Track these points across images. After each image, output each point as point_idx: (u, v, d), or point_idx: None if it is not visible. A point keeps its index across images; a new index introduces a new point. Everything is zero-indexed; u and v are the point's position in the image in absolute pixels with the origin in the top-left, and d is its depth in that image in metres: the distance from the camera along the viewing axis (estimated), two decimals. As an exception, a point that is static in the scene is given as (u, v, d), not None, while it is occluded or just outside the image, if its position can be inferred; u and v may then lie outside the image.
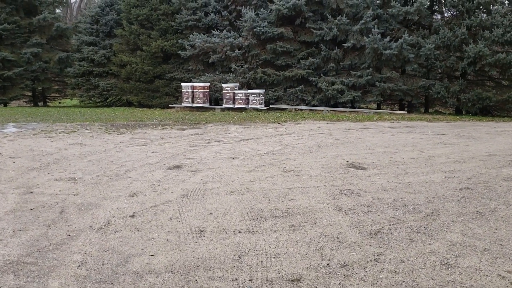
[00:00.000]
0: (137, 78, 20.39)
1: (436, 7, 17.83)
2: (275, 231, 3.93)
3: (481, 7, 15.42)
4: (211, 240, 3.73)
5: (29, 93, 25.01)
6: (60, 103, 26.65)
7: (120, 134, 10.24)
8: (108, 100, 22.90)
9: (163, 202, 4.76)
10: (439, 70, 16.28)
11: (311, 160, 6.92)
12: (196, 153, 7.62)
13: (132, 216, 4.32)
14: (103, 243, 3.63)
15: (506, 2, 16.00)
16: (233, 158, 7.13)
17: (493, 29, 14.67)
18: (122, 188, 5.30)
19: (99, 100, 22.84)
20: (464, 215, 4.34)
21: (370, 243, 3.66)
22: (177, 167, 6.51)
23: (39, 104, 24.92)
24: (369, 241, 3.71)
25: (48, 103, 25.63)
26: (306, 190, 5.20)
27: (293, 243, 3.66)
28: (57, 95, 26.58)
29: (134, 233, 3.88)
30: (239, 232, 3.91)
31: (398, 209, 4.52)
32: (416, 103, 17.58)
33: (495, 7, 15.35)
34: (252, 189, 5.23)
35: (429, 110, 18.53)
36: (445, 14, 17.87)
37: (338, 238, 3.78)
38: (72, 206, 4.63)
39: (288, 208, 4.52)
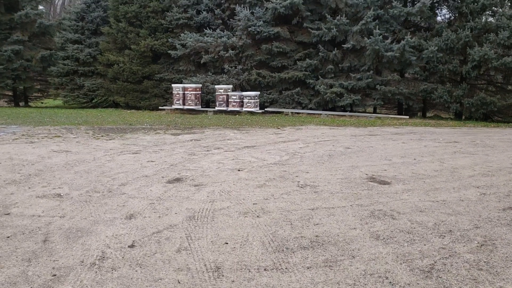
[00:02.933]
0: (124, 78, 19.49)
1: (438, 9, 17.36)
2: (308, 268, 3.23)
3: (486, 9, 14.95)
4: (233, 281, 3.01)
5: (10, 93, 23.94)
6: (42, 103, 25.58)
7: (110, 139, 9.42)
8: (93, 101, 21.94)
9: (167, 226, 4.02)
10: (443, 74, 15.75)
11: (326, 173, 6.24)
12: (196, 163, 6.87)
13: (132, 246, 3.58)
14: (99, 287, 2.89)
15: (509, 4, 15.58)
16: (239, 170, 6.41)
17: (498, 32, 14.20)
18: (116, 208, 4.54)
19: (84, 101, 21.84)
20: (524, 244, 3.70)
21: (428, 285, 2.98)
22: (178, 180, 5.76)
23: (20, 104, 23.85)
24: (425, 282, 3.03)
25: (29, 103, 24.55)
26: (331, 211, 4.50)
27: (335, 286, 2.96)
28: (39, 95, 25.48)
29: (136, 271, 3.14)
30: (265, 269, 3.20)
31: (444, 236, 3.86)
32: (417, 108, 17.09)
33: (501, 9, 14.92)
34: (268, 210, 4.52)
35: (427, 114, 18.07)
36: (446, 16, 17.43)
37: (387, 277, 3.09)
38: (58, 232, 3.86)
39: (317, 236, 3.82)
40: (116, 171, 6.21)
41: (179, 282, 2.98)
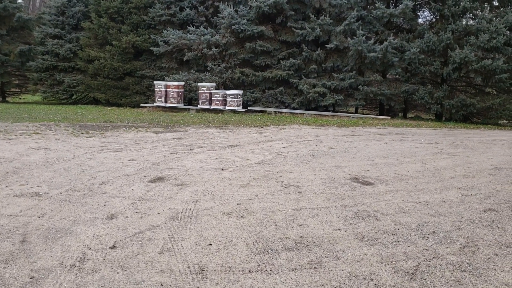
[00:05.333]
0: (105, 74, 19.17)
1: (420, 11, 17.54)
2: (293, 269, 3.20)
3: (467, 12, 15.15)
4: (217, 283, 2.97)
5: (-13, 88, 23.31)
6: (20, 99, 24.96)
7: (90, 137, 9.24)
8: (73, 97, 21.55)
9: (150, 227, 3.95)
10: (424, 75, 15.92)
11: (310, 173, 6.22)
12: (179, 162, 6.78)
13: (113, 247, 3.49)
14: (79, 291, 2.81)
15: (489, 8, 15.82)
16: (222, 169, 6.35)
17: (479, 35, 14.42)
18: (97, 208, 4.44)
19: (64, 97, 21.44)
20: (505, 246, 3.74)
21: (412, 287, 2.99)
22: (160, 179, 5.67)
23: (-2, 99, 23.25)
24: (410, 283, 3.04)
25: (7, 99, 23.94)
26: (315, 212, 4.49)
27: (320, 288, 2.94)
28: (17, 90, 24.83)
29: (118, 273, 3.07)
30: (249, 271, 3.16)
31: (428, 238, 3.88)
32: (398, 108, 17.24)
33: (481, 12, 15.14)
34: (252, 210, 4.47)
35: (408, 115, 18.26)
36: (428, 18, 17.63)
37: (371, 279, 3.09)
38: (37, 232, 3.75)
39: (301, 237, 3.80)
40: (97, 170, 6.08)
41: (162, 285, 2.92)
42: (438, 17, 16.62)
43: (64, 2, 21.37)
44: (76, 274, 3.04)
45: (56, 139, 8.75)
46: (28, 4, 39.44)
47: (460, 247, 3.69)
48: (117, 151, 7.56)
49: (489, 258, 3.49)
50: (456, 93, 15.60)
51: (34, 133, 9.41)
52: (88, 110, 16.58)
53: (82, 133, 9.68)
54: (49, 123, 11.57)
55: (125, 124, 11.92)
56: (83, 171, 6.01)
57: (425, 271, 3.23)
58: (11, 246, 3.47)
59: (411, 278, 3.12)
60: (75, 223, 4.00)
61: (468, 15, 16.01)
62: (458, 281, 3.10)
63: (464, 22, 15.35)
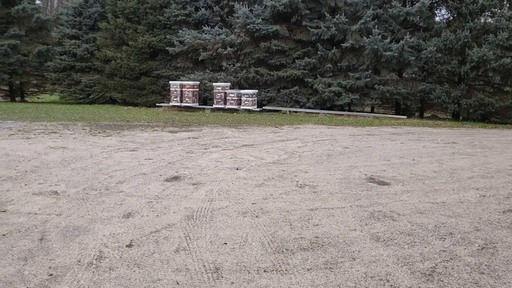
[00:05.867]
0: (122, 74, 19.35)
1: (437, 9, 17.30)
2: (308, 270, 3.19)
3: (485, 9, 14.90)
4: (232, 283, 2.98)
5: (6, 88, 23.71)
6: (38, 98, 25.38)
7: (107, 136, 9.35)
8: (90, 97, 21.80)
9: (165, 226, 3.98)
10: (441, 74, 15.71)
11: (325, 173, 6.20)
12: (194, 161, 6.82)
13: (130, 246, 3.53)
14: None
15: (508, 5, 15.52)
16: (237, 169, 6.36)
17: (497, 33, 14.17)
18: (114, 206, 4.49)
19: (81, 96, 21.72)
20: (525, 248, 3.68)
21: (429, 288, 2.96)
22: (176, 178, 5.71)
23: (17, 99, 23.64)
24: (427, 285, 3.01)
25: (26, 99, 24.35)
26: (330, 212, 4.47)
27: (335, 289, 2.93)
28: (35, 90, 25.26)
29: (134, 271, 3.10)
30: (264, 271, 3.16)
31: (445, 238, 3.83)
32: (414, 108, 17.05)
33: (500, 10, 14.87)
34: (267, 210, 4.47)
35: (424, 115, 18.04)
36: (445, 16, 17.39)
37: (388, 280, 3.06)
38: (55, 230, 3.80)
39: (316, 237, 3.78)
40: (114, 169, 6.15)
41: (177, 283, 2.94)
42: (455, 15, 16.38)
43: (81, 2, 21.62)
44: (93, 272, 3.07)
45: (73, 138, 8.87)
46: (46, 5, 40.02)
47: (478, 249, 3.64)
48: (134, 150, 7.63)
49: (508, 260, 3.44)
50: (474, 92, 15.36)
51: (52, 132, 9.55)
52: (105, 110, 16.77)
53: (99, 133, 9.80)
54: (66, 122, 11.74)
55: (141, 123, 12.03)
56: (100, 170, 6.08)
57: (442, 273, 3.19)
58: (30, 243, 3.53)
59: (428, 280, 3.08)
60: (92, 221, 4.05)
61: (487, 12, 15.74)
62: (476, 283, 3.06)
63: (482, 20, 15.08)
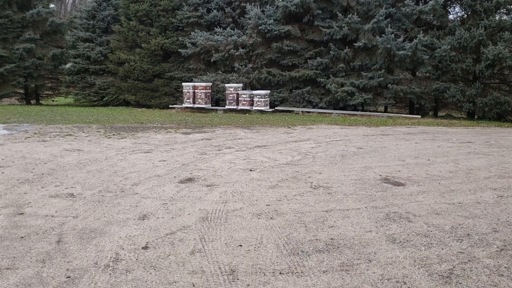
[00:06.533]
0: (135, 76, 19.53)
1: (451, 7, 17.10)
2: (324, 272, 3.17)
3: (500, 6, 14.70)
4: (248, 285, 2.97)
5: (21, 91, 24.10)
6: (53, 101, 25.72)
7: (121, 138, 9.43)
8: (104, 99, 22.01)
9: (180, 228, 3.99)
10: (456, 73, 15.51)
11: (339, 174, 6.16)
12: (208, 163, 6.84)
13: (146, 248, 3.55)
14: (113, 291, 2.87)
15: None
16: (251, 170, 6.36)
17: (513, 30, 14.00)
18: (129, 208, 4.52)
19: (95, 99, 21.95)
20: (545, 250, 3.61)
21: (448, 291, 2.92)
22: (190, 180, 5.73)
23: (32, 102, 23.99)
24: (445, 287, 2.96)
25: (41, 101, 24.70)
26: (345, 213, 4.44)
27: (352, 291, 2.91)
28: (50, 93, 25.64)
29: (151, 273, 3.11)
30: (280, 273, 3.15)
31: (462, 240, 3.78)
32: (428, 107, 16.87)
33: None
34: (281, 212, 4.47)
35: (439, 114, 17.85)
36: (459, 14, 17.17)
37: (405, 282, 3.03)
38: (72, 233, 3.84)
39: (332, 239, 3.76)
40: (128, 171, 6.20)
41: (193, 285, 2.95)
42: (469, 13, 16.18)
43: (94, 6, 21.87)
44: (110, 274, 3.10)
45: (88, 140, 8.96)
46: (59, 9, 40.51)
47: (497, 250, 3.59)
48: (148, 152, 7.68)
49: (527, 262, 3.38)
50: (489, 91, 15.14)
51: (67, 135, 9.66)
52: (119, 112, 16.92)
53: (114, 135, 9.88)
54: (81, 125, 11.86)
55: (154, 125, 12.10)
56: (115, 172, 6.13)
57: (460, 275, 3.15)
58: (48, 246, 3.57)
59: (445, 282, 3.05)
60: (108, 223, 4.08)
61: (502, 10, 15.51)
62: (495, 285, 3.01)
63: (497, 18, 14.87)
